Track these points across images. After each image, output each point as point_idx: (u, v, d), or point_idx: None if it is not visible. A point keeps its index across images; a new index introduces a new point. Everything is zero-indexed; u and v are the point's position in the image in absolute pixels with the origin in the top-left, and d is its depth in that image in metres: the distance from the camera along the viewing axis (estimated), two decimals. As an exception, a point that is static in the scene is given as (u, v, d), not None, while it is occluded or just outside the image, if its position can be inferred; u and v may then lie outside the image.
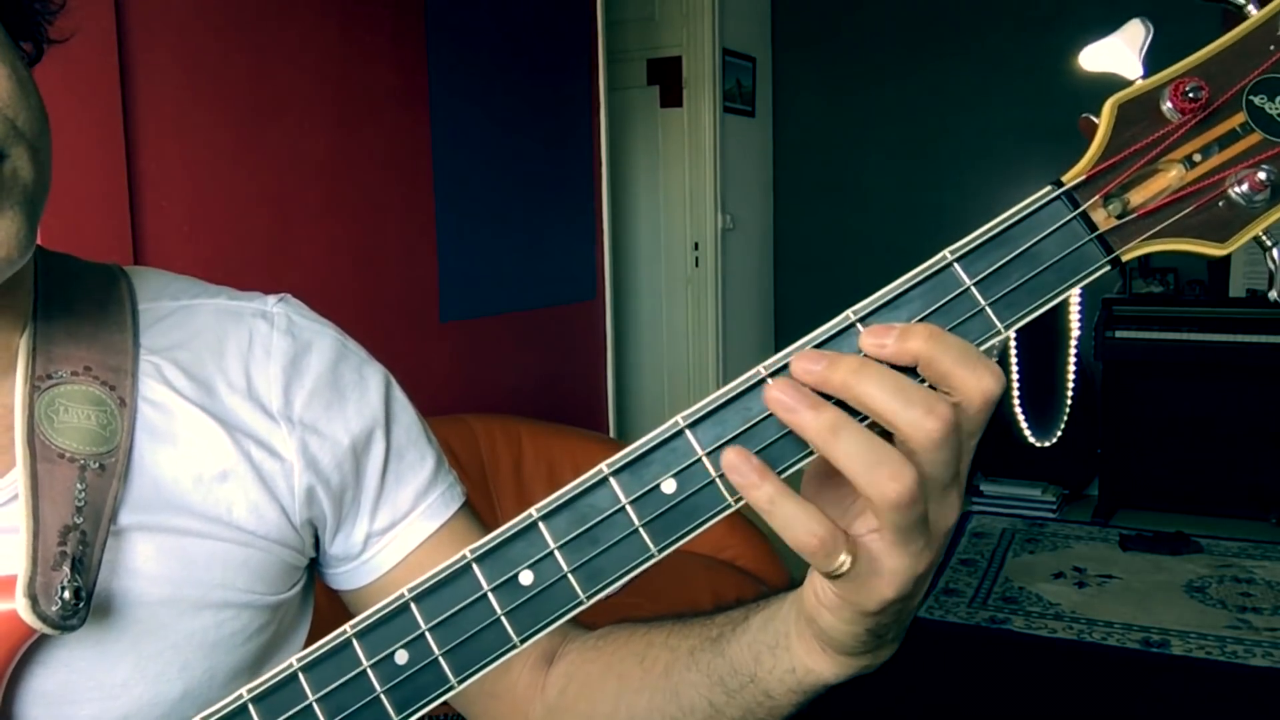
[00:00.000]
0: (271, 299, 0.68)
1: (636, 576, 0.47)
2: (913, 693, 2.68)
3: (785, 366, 0.45)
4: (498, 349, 2.92)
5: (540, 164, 3.08)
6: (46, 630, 0.52)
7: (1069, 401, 4.19)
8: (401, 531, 0.68)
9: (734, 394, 0.45)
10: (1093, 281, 0.45)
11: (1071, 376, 4.20)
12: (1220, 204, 0.44)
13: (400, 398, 0.71)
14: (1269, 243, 0.44)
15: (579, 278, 3.29)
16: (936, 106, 4.51)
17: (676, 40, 4.24)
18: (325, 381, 0.66)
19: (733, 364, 4.46)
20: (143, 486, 0.58)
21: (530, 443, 2.45)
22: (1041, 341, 4.24)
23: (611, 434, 3.37)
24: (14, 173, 0.51)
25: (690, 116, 4.26)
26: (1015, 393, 4.27)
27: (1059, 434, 4.20)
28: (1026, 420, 4.24)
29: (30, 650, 0.54)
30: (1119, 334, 3.91)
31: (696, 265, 4.37)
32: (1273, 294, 0.45)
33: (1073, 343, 4.19)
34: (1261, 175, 0.43)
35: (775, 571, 2.27)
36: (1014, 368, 4.27)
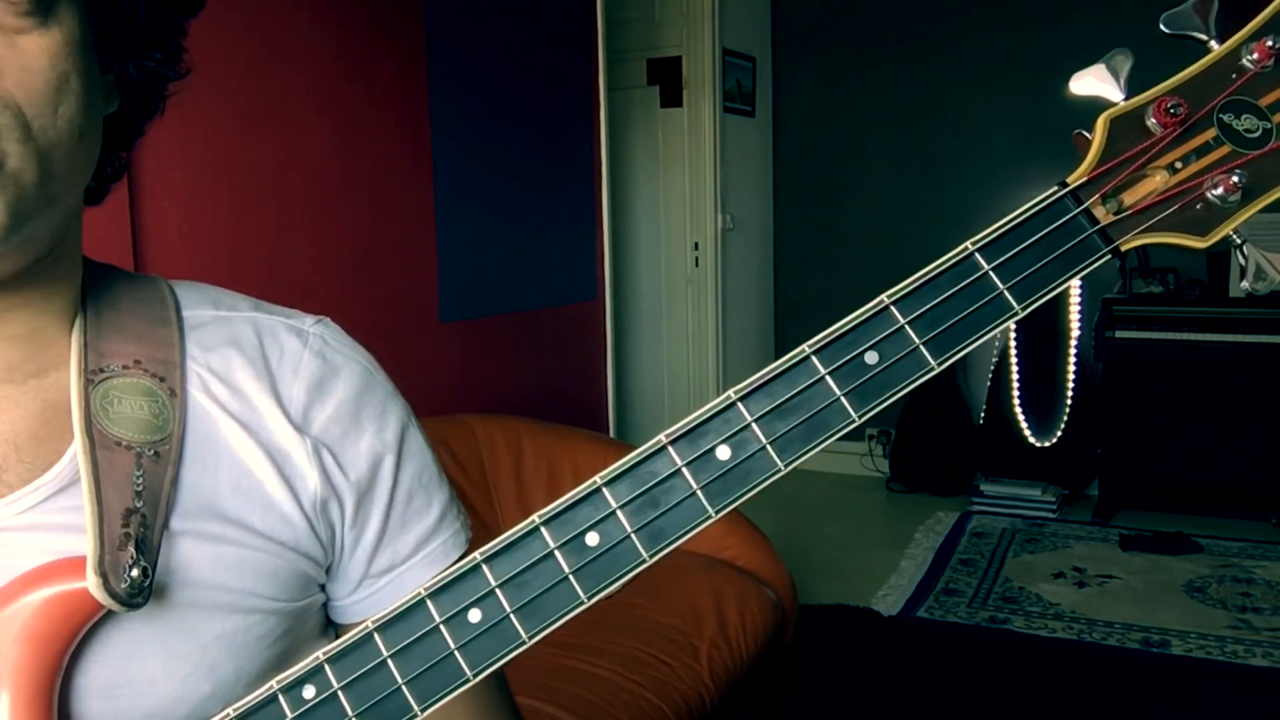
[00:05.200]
0: (310, 319, 0.69)
1: (694, 537, 0.50)
2: (913, 693, 2.68)
3: (827, 346, 0.50)
4: (498, 349, 2.92)
5: (540, 164, 3.08)
6: (115, 607, 0.53)
7: (1069, 401, 4.19)
8: (398, 577, 0.68)
9: (782, 369, 0.50)
10: (1096, 268, 0.51)
11: (1071, 376, 4.20)
12: (1199, 205, 0.50)
13: (417, 438, 0.70)
14: (1238, 240, 0.51)
15: (579, 278, 3.29)
16: (937, 106, 4.51)
17: (676, 40, 4.25)
18: (347, 409, 0.66)
19: (733, 364, 4.46)
20: (180, 493, 0.60)
21: (530, 443, 2.45)
22: (1041, 341, 4.24)
23: (611, 434, 3.37)
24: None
25: (690, 116, 4.26)
26: (1015, 393, 4.27)
27: (1059, 434, 4.20)
28: (1026, 420, 4.24)
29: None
30: (1119, 334, 3.91)
31: (696, 265, 4.37)
32: (1244, 284, 0.52)
33: (1073, 343, 4.19)
34: (1235, 179, 0.50)
35: (775, 571, 2.27)
36: (1014, 368, 4.27)
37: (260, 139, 2.17)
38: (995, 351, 4.37)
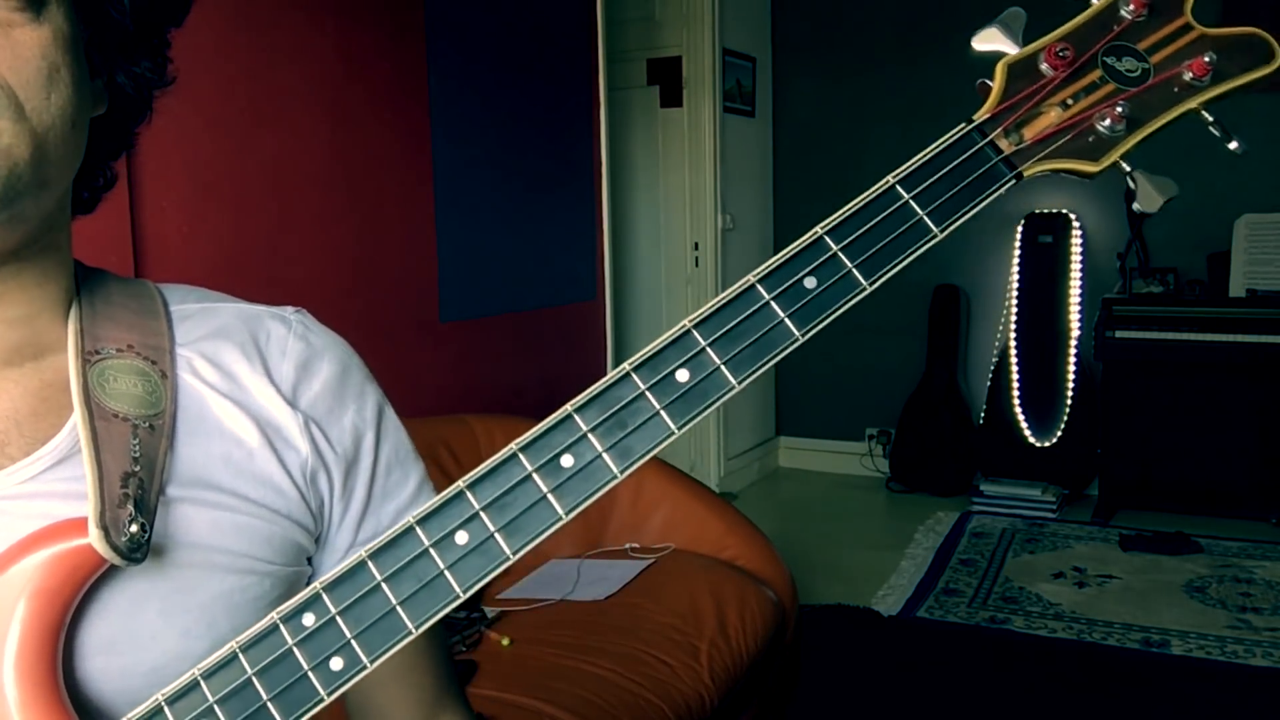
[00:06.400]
0: (289, 309, 0.74)
1: (660, 451, 0.55)
2: (913, 693, 2.68)
3: (771, 275, 0.56)
4: (498, 349, 2.93)
5: (540, 164, 3.08)
6: (117, 560, 0.56)
7: (1069, 401, 4.19)
8: None
9: (731, 298, 0.55)
10: (1003, 194, 0.57)
11: (1071, 376, 4.20)
12: (1090, 136, 0.57)
13: (392, 418, 0.76)
14: (1127, 168, 0.57)
15: (579, 278, 3.29)
16: (936, 105, 4.50)
17: (676, 40, 4.24)
18: (331, 387, 0.71)
19: (733, 364, 4.45)
20: (174, 464, 0.64)
21: (530, 443, 2.45)
22: (1042, 341, 4.24)
23: (611, 434, 3.37)
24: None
25: (690, 116, 4.26)
26: (1015, 392, 4.27)
27: (1059, 434, 4.20)
28: (1026, 420, 4.25)
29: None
30: (1119, 334, 3.91)
31: (696, 265, 4.37)
32: (1136, 205, 0.58)
33: (1073, 343, 4.19)
34: (1119, 110, 0.57)
35: (775, 571, 2.27)
36: (1014, 368, 4.27)
37: (260, 140, 2.17)
38: (995, 351, 4.37)
